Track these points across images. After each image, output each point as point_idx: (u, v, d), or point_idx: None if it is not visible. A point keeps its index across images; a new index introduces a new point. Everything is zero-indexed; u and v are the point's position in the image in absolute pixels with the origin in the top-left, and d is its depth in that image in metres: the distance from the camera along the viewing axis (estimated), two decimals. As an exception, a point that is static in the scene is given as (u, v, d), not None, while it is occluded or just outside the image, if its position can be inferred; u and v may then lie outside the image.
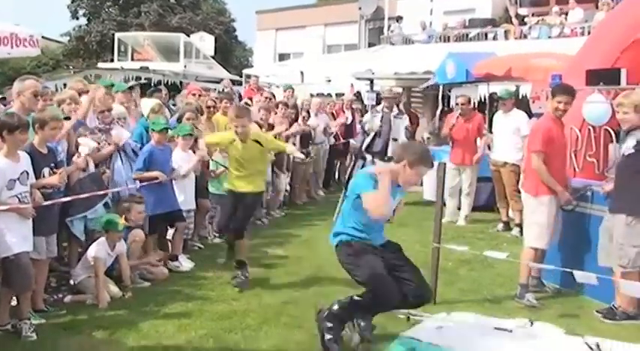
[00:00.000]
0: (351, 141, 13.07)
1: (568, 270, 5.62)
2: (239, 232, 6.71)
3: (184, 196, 7.57)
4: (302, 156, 9.59)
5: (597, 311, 5.95)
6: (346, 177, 11.51)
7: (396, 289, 4.74)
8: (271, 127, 9.66)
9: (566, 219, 6.54)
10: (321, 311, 4.99)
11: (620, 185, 5.89)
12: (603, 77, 7.45)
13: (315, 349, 4.94)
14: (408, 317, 5.45)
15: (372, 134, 10.90)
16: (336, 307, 4.91)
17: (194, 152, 7.80)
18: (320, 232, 9.37)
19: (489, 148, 10.12)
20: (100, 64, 25.62)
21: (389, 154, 10.32)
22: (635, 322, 5.77)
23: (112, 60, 25.55)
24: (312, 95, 14.78)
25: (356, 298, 4.87)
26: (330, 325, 4.87)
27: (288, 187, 11.17)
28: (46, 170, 5.46)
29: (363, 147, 11.05)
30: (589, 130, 7.73)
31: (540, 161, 6.32)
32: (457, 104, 10.58)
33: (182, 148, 7.64)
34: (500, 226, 9.76)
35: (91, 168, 6.60)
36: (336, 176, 14.13)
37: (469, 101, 10.66)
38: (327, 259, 7.80)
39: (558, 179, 6.34)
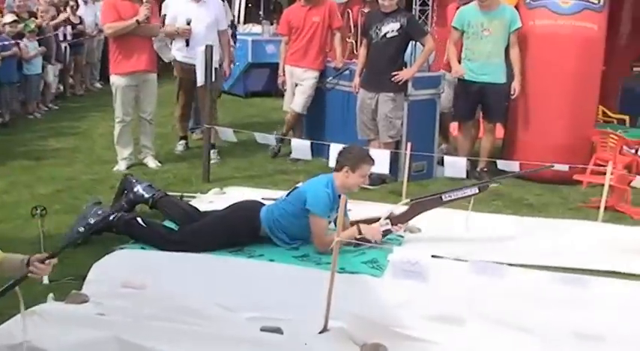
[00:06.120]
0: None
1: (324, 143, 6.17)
2: None
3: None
4: None
5: None
6: None
7: None
8: (33, 14, 9.13)
9: (329, 96, 7.09)
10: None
11: (383, 66, 6.40)
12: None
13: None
14: (181, 196, 5.61)
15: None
16: (121, 221, 4.71)
17: None
18: (96, 123, 9.26)
19: None
20: None
21: None
22: (385, 185, 6.46)
23: None
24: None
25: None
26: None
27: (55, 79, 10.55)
28: None
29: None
30: (348, 12, 8.21)
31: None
32: None
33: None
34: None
35: None
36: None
37: None
38: (102, 146, 7.84)
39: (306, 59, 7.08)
